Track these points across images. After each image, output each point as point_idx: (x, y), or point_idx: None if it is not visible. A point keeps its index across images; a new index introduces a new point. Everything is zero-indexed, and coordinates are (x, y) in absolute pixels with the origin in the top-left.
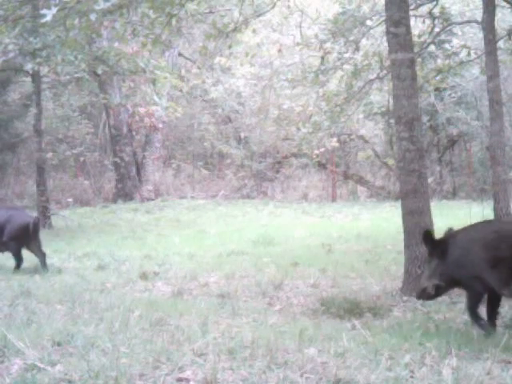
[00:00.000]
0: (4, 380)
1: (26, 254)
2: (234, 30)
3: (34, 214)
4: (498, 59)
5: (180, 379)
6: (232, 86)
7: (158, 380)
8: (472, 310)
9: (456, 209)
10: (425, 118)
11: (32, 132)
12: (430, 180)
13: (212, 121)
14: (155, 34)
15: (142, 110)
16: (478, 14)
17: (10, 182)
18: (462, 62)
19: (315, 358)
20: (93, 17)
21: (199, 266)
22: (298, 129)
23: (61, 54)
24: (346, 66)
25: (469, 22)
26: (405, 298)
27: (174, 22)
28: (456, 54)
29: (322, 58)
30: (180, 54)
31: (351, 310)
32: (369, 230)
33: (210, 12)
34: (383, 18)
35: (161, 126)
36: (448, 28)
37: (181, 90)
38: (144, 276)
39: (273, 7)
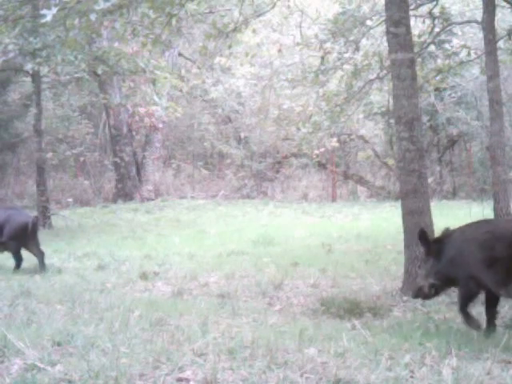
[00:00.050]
0: (4, 380)
1: (25, 253)
2: (234, 29)
3: (34, 213)
4: (498, 59)
5: (180, 379)
6: (232, 86)
7: (158, 380)
8: (463, 308)
9: (456, 209)
10: (425, 118)
11: (32, 132)
12: (430, 180)
13: (212, 121)
14: (155, 34)
15: (141, 109)
16: (478, 14)
17: (10, 181)
18: (462, 62)
19: (315, 358)
20: (93, 17)
21: (199, 266)
22: (298, 129)
23: (61, 54)
24: (346, 66)
25: (469, 21)
26: (405, 298)
27: (174, 21)
28: (456, 53)
29: (322, 58)
30: (180, 54)
31: (351, 310)
32: (369, 230)
33: (210, 12)
34: (383, 18)
35: (161, 125)
36: (448, 28)
37: (181, 90)
38: (144, 276)
39: (273, 7)
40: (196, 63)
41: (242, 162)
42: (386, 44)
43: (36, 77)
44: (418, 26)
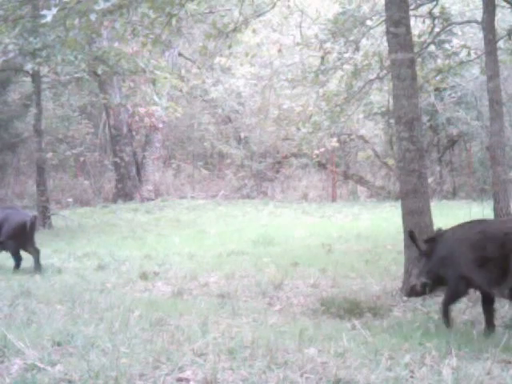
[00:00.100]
0: (4, 380)
1: (26, 253)
2: (234, 30)
3: (34, 213)
4: (498, 59)
5: (180, 379)
6: (232, 86)
7: (158, 380)
8: (445, 306)
9: (456, 209)
10: (425, 118)
11: (32, 132)
12: (430, 180)
13: (212, 121)
14: (155, 34)
15: (141, 110)
16: (478, 14)
17: (10, 181)
18: (462, 62)
19: (315, 358)
20: (93, 17)
21: (199, 266)
22: (298, 129)
23: (61, 54)
24: (346, 66)
25: (469, 21)
26: (405, 298)
27: (174, 21)
28: (456, 53)
29: (322, 58)
30: (180, 54)
31: (351, 310)
32: (369, 230)
33: (210, 12)
34: (383, 18)
35: (161, 125)
36: (448, 28)
37: (181, 90)
38: (144, 276)
39: (273, 7)
40: (196, 63)
41: (242, 162)
42: (385, 44)
43: (36, 77)
44: (418, 26)
